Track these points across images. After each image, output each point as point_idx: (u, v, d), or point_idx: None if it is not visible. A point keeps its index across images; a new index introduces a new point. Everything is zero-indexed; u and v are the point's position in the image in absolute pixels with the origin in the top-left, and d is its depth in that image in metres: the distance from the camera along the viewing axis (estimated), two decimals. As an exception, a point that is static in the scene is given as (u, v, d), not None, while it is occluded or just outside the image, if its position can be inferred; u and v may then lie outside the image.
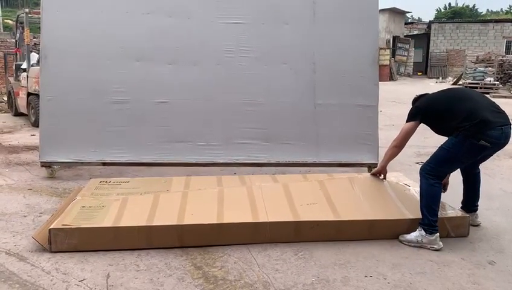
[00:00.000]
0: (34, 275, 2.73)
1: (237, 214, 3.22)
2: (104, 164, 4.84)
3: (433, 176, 3.16)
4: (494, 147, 3.11)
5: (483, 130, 3.01)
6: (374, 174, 3.82)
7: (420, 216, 3.19)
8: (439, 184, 3.18)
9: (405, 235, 3.23)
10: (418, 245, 3.15)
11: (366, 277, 2.77)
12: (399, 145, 3.44)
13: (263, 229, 3.14)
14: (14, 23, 9.46)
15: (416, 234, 3.17)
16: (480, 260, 3.01)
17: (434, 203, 3.15)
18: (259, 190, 3.56)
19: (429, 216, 3.13)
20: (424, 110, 3.34)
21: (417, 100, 3.52)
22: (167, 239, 3.06)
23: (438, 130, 3.40)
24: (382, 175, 3.74)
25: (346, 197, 3.48)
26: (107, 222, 3.06)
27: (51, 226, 2.99)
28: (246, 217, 3.19)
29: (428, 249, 3.12)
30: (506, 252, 3.15)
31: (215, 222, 3.11)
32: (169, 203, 3.33)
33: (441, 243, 3.14)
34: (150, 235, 3.05)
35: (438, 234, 3.13)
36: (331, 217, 3.22)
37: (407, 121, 3.39)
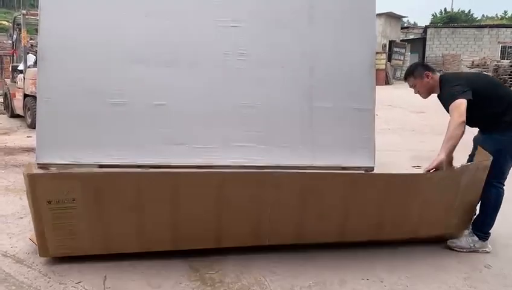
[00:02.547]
0: (31, 277, 2.72)
1: (238, 236, 3.01)
2: (101, 166, 4.82)
3: (501, 183, 3.09)
4: None
5: None
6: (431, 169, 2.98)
7: None
8: (503, 190, 3.13)
9: (455, 241, 3.23)
10: (470, 250, 3.18)
11: (362, 279, 2.78)
12: (463, 118, 2.87)
13: (263, 239, 3.08)
14: (11, 24, 9.44)
15: (469, 241, 3.20)
16: (476, 264, 3.03)
17: (497, 212, 3.16)
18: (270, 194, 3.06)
19: (491, 224, 3.18)
20: (468, 87, 2.96)
21: (429, 70, 3.21)
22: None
23: (477, 116, 3.00)
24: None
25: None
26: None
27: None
28: (246, 240, 3.02)
29: (480, 252, 3.18)
30: (501, 256, 3.17)
31: (211, 246, 3.00)
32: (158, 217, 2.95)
33: (490, 245, 3.21)
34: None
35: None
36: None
37: (453, 101, 2.93)
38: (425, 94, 3.32)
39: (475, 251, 3.18)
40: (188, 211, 2.91)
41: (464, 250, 3.18)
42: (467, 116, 2.90)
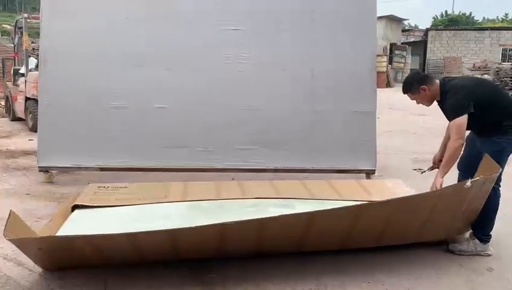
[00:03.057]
0: (32, 280, 2.72)
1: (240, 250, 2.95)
2: (102, 169, 4.83)
3: (497, 184, 3.10)
4: None
5: None
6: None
7: None
8: (500, 191, 3.15)
9: (456, 245, 3.21)
10: (472, 254, 3.17)
11: (363, 283, 2.77)
12: (463, 141, 3.02)
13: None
14: (13, 28, 9.47)
15: (471, 244, 3.18)
16: (478, 267, 3.02)
17: (496, 213, 3.17)
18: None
19: (491, 226, 3.18)
20: (471, 101, 2.98)
21: (425, 82, 3.18)
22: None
23: (478, 123, 3.04)
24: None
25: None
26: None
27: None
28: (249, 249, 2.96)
29: (482, 255, 3.16)
30: (504, 259, 3.16)
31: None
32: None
33: (491, 248, 3.19)
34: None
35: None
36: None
37: (455, 117, 2.99)
38: (428, 103, 3.29)
39: (477, 254, 3.16)
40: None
41: (466, 254, 3.17)
42: (473, 120, 2.97)
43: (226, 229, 2.63)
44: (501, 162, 2.99)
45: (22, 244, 2.59)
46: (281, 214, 2.73)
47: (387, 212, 2.90)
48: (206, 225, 2.59)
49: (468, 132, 3.13)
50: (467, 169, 3.16)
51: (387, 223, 2.93)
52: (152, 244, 2.69)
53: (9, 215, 2.56)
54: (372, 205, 3.00)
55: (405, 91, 3.28)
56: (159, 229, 2.60)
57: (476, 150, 3.15)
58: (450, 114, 3.03)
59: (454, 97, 3.03)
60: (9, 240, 2.47)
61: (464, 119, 2.95)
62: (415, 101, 3.29)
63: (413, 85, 3.22)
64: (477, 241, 3.18)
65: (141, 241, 2.64)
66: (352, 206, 2.92)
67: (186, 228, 2.57)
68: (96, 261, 2.76)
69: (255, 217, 2.70)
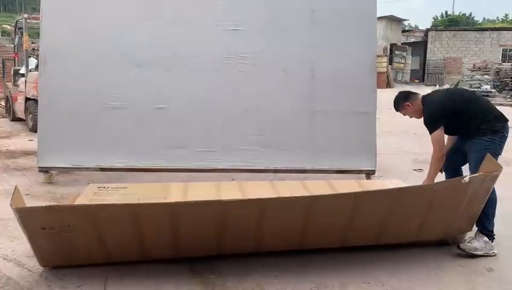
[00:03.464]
0: (32, 280, 2.72)
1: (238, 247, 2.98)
2: (102, 169, 4.83)
3: None
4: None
5: (503, 124, 3.31)
6: None
7: None
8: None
9: (467, 244, 3.19)
10: (483, 253, 3.16)
11: (363, 283, 2.77)
12: (442, 153, 3.40)
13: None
14: (13, 28, 9.47)
15: (481, 241, 3.19)
16: (478, 267, 3.02)
17: (496, 205, 3.24)
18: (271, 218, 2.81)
19: (492, 222, 3.22)
20: (442, 116, 3.36)
21: (408, 99, 3.56)
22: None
23: (454, 130, 3.44)
24: None
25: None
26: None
27: None
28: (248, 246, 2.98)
29: (490, 255, 3.17)
30: (503, 259, 3.15)
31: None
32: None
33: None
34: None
35: None
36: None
37: (432, 131, 3.37)
38: (417, 116, 3.60)
39: (486, 254, 3.15)
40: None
41: (478, 252, 3.15)
42: (449, 130, 3.40)
43: (227, 206, 2.69)
44: (493, 155, 3.19)
45: (26, 218, 2.57)
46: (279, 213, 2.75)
47: (386, 205, 2.90)
48: (207, 200, 2.70)
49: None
50: (451, 165, 3.50)
51: (385, 218, 2.94)
52: (152, 220, 2.69)
53: (15, 190, 2.60)
54: (371, 192, 3.05)
55: (396, 110, 3.70)
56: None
57: (459, 150, 3.44)
58: (428, 129, 3.40)
59: (427, 113, 3.43)
60: (15, 209, 2.48)
61: (439, 133, 3.33)
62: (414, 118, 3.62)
63: (400, 103, 3.62)
64: (486, 238, 3.20)
65: (141, 215, 2.65)
66: (351, 192, 2.95)
67: (186, 202, 2.69)
68: (97, 247, 2.75)
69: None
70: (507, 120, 3.36)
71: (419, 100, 3.54)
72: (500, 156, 3.30)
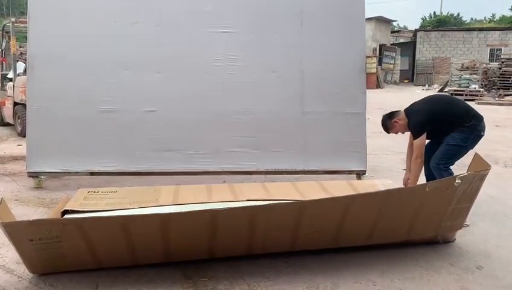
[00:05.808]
0: (21, 287, 2.69)
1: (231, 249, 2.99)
2: (92, 173, 4.79)
3: (448, 168, 3.74)
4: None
5: (481, 123, 3.73)
6: None
7: None
8: (452, 171, 3.72)
9: None
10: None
11: (355, 283, 2.78)
12: (422, 157, 3.76)
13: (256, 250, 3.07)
14: (0, 32, 9.36)
15: None
16: (469, 265, 3.05)
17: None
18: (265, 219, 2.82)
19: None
20: (427, 123, 3.73)
21: (394, 116, 3.93)
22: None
23: (436, 134, 3.79)
24: None
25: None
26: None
27: None
28: (239, 251, 3.00)
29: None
30: (493, 257, 3.18)
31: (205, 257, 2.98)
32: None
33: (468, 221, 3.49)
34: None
35: None
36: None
37: (416, 137, 3.73)
38: (404, 130, 3.96)
39: None
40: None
41: None
42: (432, 134, 3.77)
43: (218, 214, 2.72)
44: (455, 152, 3.72)
45: (12, 233, 2.55)
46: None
47: (376, 206, 2.92)
48: (198, 210, 2.76)
49: None
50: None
51: (376, 218, 2.96)
52: (142, 231, 2.69)
53: (1, 203, 2.60)
54: (361, 195, 3.06)
55: (387, 131, 4.08)
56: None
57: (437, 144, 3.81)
58: (413, 136, 3.80)
59: (413, 121, 3.78)
60: (1, 223, 2.48)
61: (421, 139, 3.71)
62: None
63: (387, 123, 3.98)
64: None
65: (132, 227, 2.65)
66: (343, 196, 3.00)
67: (177, 212, 2.71)
68: (87, 254, 2.73)
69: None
70: (483, 118, 3.76)
71: (403, 114, 3.88)
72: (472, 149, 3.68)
